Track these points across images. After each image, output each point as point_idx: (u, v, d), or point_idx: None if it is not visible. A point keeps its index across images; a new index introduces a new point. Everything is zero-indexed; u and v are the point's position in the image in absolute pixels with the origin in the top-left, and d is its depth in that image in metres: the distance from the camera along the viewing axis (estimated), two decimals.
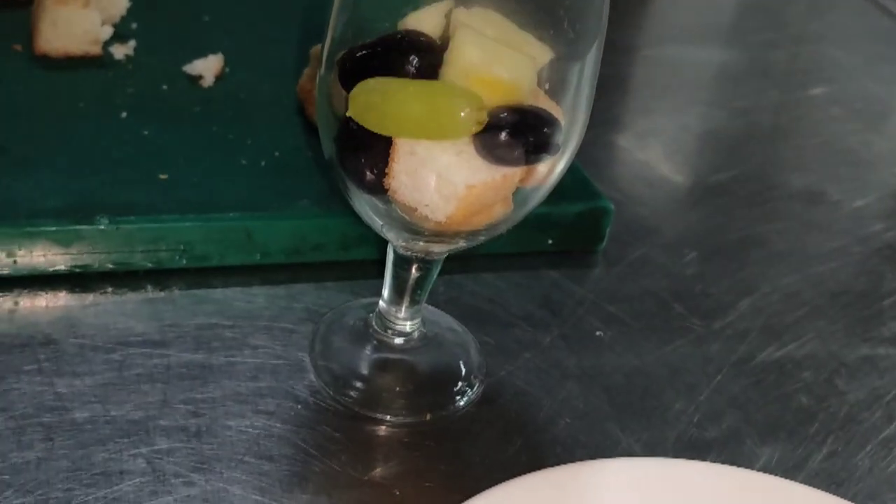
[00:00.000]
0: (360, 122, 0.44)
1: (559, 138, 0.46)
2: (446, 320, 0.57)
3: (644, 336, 0.60)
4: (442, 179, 0.44)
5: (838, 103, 0.90)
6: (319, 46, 0.66)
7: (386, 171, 0.45)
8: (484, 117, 0.43)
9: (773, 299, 0.64)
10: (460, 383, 0.54)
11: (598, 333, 0.59)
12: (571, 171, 0.48)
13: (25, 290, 0.55)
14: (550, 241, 0.63)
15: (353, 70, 0.46)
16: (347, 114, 0.45)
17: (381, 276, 0.53)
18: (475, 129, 0.43)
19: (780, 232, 0.71)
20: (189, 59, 0.69)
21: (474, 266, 0.61)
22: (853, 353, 0.61)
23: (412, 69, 0.44)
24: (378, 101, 0.43)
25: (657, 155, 0.77)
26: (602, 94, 0.48)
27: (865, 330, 0.63)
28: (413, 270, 0.52)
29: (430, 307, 0.57)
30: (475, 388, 0.54)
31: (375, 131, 0.44)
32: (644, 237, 0.68)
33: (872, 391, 0.59)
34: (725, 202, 0.73)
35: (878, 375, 0.60)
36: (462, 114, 0.42)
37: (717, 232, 0.70)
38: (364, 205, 0.48)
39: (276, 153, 0.62)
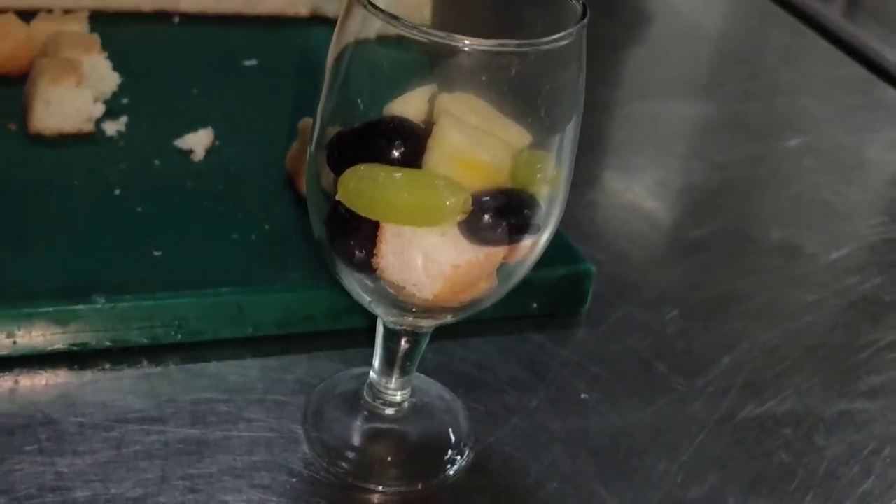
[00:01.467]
0: (350, 207, 0.46)
1: (540, 218, 0.48)
2: (436, 388, 0.59)
3: (628, 396, 0.61)
4: (428, 259, 0.46)
5: (812, 154, 0.92)
6: (307, 120, 0.68)
7: (374, 251, 0.47)
8: (468, 206, 0.45)
9: (753, 355, 0.66)
10: (450, 451, 0.55)
11: (583, 396, 0.61)
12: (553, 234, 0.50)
13: (25, 370, 0.56)
14: (535, 305, 0.65)
15: (341, 154, 0.47)
16: (337, 198, 0.46)
17: (372, 343, 0.55)
18: (460, 217, 0.45)
19: (759, 287, 0.73)
20: (180, 134, 0.71)
21: (462, 332, 0.63)
22: (831, 409, 0.63)
23: (397, 154, 0.46)
24: (367, 188, 0.45)
25: (637, 212, 0.79)
26: (581, 152, 0.50)
27: (842, 384, 0.65)
28: (402, 343, 0.53)
29: (420, 375, 0.59)
30: (465, 455, 0.55)
31: (364, 216, 0.46)
32: (626, 295, 0.70)
33: (850, 446, 0.60)
34: (705, 258, 0.75)
35: (855, 430, 0.62)
36: (448, 203, 0.44)
37: (697, 288, 0.72)
38: (353, 282, 0.50)
39: (266, 226, 0.64)
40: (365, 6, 0.44)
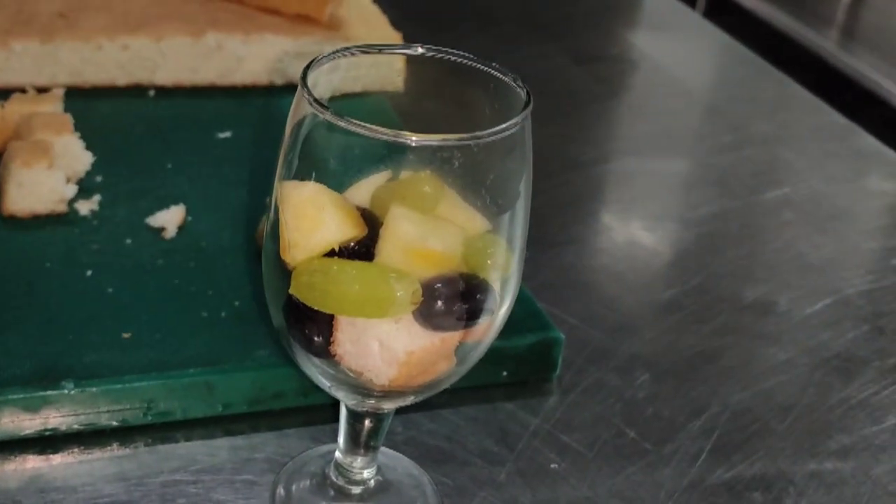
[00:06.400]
0: (303, 301, 0.47)
1: (493, 302, 0.48)
2: (403, 464, 0.59)
3: (597, 465, 0.62)
4: (383, 347, 0.47)
5: (790, 206, 0.92)
6: None
7: (331, 338, 0.48)
8: (419, 297, 0.45)
9: (723, 418, 0.67)
10: None
11: (552, 466, 0.61)
12: (522, 302, 0.50)
13: None
14: (505, 374, 0.66)
15: None
16: (290, 291, 0.47)
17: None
18: (411, 308, 0.46)
19: (730, 346, 0.74)
20: (152, 211, 0.71)
21: (431, 403, 0.63)
22: (801, 470, 0.63)
23: (352, 242, 0.47)
24: (319, 282, 0.46)
25: (610, 274, 0.80)
26: (557, 211, 0.51)
27: (813, 444, 0.66)
28: (366, 423, 0.54)
29: (387, 450, 0.59)
30: None
31: (317, 309, 0.47)
32: (598, 360, 0.70)
33: None
34: (677, 319, 0.76)
35: (825, 491, 0.62)
36: (398, 294, 0.45)
37: (669, 351, 0.72)
38: (312, 369, 0.50)
39: (236, 302, 0.65)
40: (311, 103, 0.45)
